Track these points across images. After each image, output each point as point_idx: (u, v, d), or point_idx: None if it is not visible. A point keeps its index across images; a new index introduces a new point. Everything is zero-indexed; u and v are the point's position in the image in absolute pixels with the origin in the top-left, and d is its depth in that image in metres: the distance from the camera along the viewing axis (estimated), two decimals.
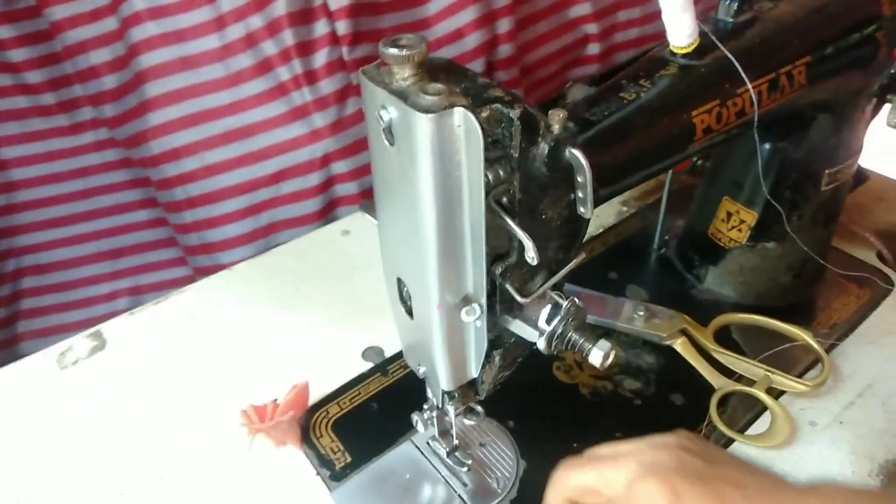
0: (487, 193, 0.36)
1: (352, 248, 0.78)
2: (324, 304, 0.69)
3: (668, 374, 0.61)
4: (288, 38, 0.79)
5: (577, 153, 0.35)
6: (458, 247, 0.37)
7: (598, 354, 0.39)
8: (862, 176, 0.78)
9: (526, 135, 0.34)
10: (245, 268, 0.75)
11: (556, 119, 0.35)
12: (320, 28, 0.80)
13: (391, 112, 0.34)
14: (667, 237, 0.74)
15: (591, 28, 0.98)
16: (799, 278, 0.66)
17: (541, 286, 0.39)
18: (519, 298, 0.38)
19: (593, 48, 1.00)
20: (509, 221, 0.36)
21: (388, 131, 0.35)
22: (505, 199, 0.36)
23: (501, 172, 0.36)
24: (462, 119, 0.33)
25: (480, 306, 0.39)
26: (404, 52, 0.34)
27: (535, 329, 0.40)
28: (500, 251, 0.39)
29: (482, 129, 0.33)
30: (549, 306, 0.40)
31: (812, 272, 0.67)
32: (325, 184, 0.88)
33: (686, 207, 0.72)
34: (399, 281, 0.42)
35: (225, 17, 0.79)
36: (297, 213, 0.89)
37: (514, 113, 0.34)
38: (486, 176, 0.35)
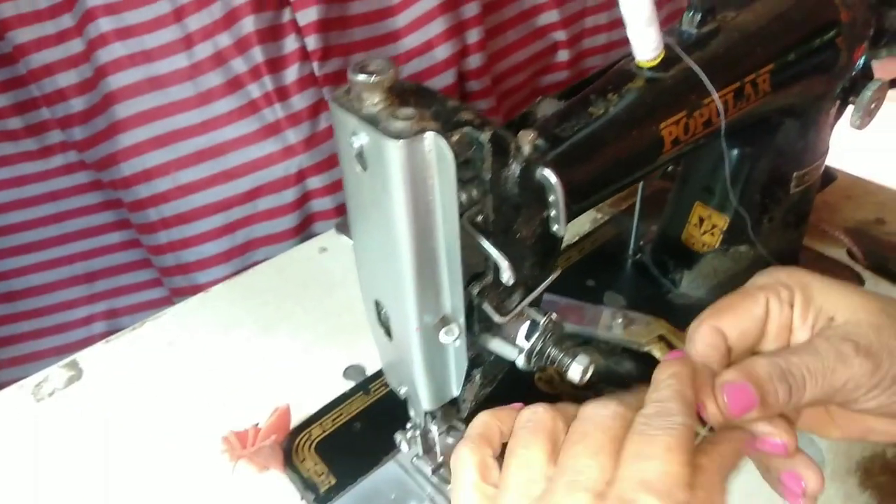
0: (461, 215, 0.36)
1: (330, 265, 0.77)
2: (304, 323, 0.69)
3: (648, 380, 0.61)
4: (257, 55, 0.78)
5: (548, 173, 0.35)
6: (434, 269, 0.37)
7: (577, 369, 0.40)
8: (830, 176, 0.79)
9: (497, 157, 0.35)
10: (223, 289, 0.75)
11: (526, 140, 0.35)
12: (290, 44, 0.80)
13: (362, 138, 0.34)
14: (642, 242, 0.75)
15: (560, 35, 0.99)
16: None
17: (518, 304, 0.40)
18: (497, 318, 0.38)
19: (563, 55, 1.01)
20: (484, 242, 0.36)
21: (360, 157, 0.35)
22: (479, 220, 0.37)
23: (475, 193, 0.36)
24: (433, 144, 0.33)
25: (459, 326, 0.39)
26: (373, 77, 0.34)
27: (514, 346, 0.40)
28: (476, 270, 0.39)
29: (453, 152, 0.33)
30: (527, 323, 0.40)
31: None
32: (300, 200, 0.87)
33: (659, 212, 0.73)
34: (377, 303, 0.42)
35: (192, 35, 0.78)
36: (274, 230, 0.89)
37: (485, 136, 0.34)
38: (459, 197, 0.36)
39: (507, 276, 0.36)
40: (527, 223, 0.38)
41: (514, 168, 0.35)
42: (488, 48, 0.93)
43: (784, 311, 0.38)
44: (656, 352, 0.63)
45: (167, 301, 0.96)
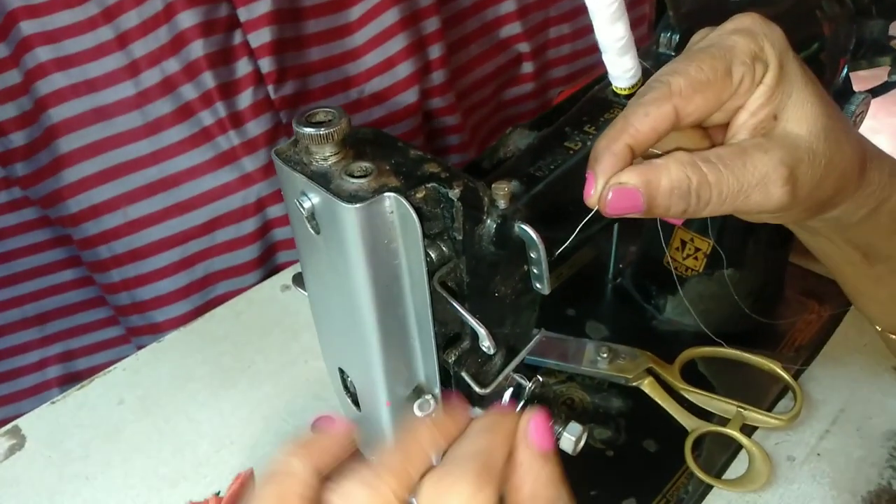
0: (431, 275, 0.32)
1: (294, 304, 0.73)
2: (267, 372, 0.64)
3: (638, 418, 0.58)
4: (208, 80, 0.74)
5: (528, 229, 0.31)
6: (404, 338, 0.33)
7: (570, 441, 0.36)
8: None
9: (469, 214, 0.31)
10: (178, 338, 0.70)
11: (501, 193, 0.31)
12: (242, 67, 0.76)
13: (312, 199, 0.30)
14: (621, 265, 0.71)
15: (524, 47, 0.96)
16: (760, 302, 0.64)
17: (500, 371, 0.36)
18: (478, 389, 0.34)
19: (527, 67, 0.99)
20: (459, 308, 0.32)
21: (311, 218, 0.31)
22: (451, 283, 0.33)
23: (445, 249, 0.32)
24: (394, 205, 0.29)
25: (434, 398, 0.35)
26: (322, 130, 0.29)
27: None
28: (451, 333, 0.35)
29: (418, 211, 0.29)
30: (510, 389, 0.36)
31: (772, 294, 0.65)
32: (261, 229, 0.83)
33: (638, 232, 0.69)
34: (341, 370, 0.38)
35: (138, 62, 0.74)
36: (234, 262, 0.84)
37: (454, 193, 0.30)
38: (427, 256, 0.32)
39: (486, 344, 0.32)
40: (505, 281, 0.34)
41: (490, 225, 0.31)
42: (451, 63, 0.90)
43: (749, 91, 0.34)
44: (645, 387, 0.59)
45: (125, 340, 0.91)
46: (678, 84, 0.33)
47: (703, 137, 0.37)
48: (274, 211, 0.82)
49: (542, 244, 0.31)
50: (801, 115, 0.34)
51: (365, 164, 0.30)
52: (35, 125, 0.76)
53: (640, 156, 0.33)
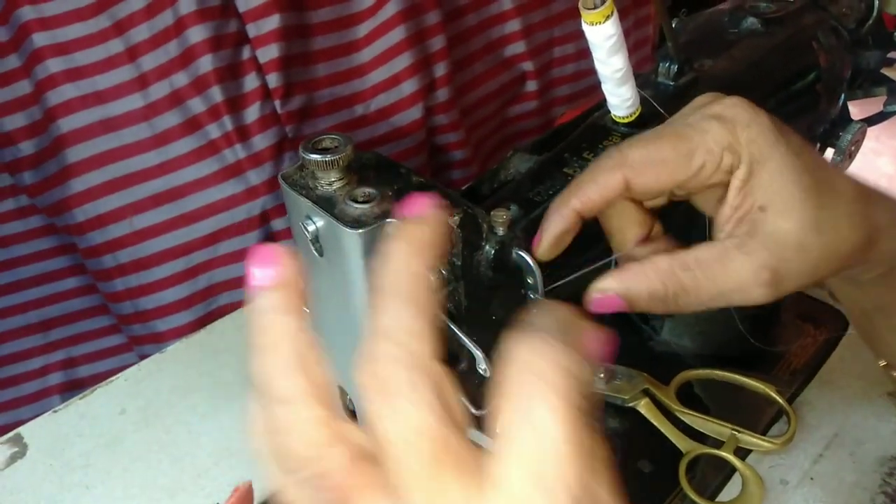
0: None
1: None
2: None
3: (633, 439, 0.58)
4: (216, 94, 0.75)
5: (526, 255, 0.32)
6: None
7: None
8: None
9: (468, 240, 0.31)
10: (180, 349, 0.70)
11: (500, 221, 0.32)
12: (250, 82, 0.77)
13: (317, 222, 0.31)
14: None
15: (528, 66, 0.97)
16: (757, 325, 0.65)
17: None
18: (474, 411, 0.35)
19: (531, 85, 1.00)
20: (457, 331, 0.33)
21: (316, 242, 0.32)
22: (450, 307, 0.33)
23: (444, 274, 0.33)
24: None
25: None
26: (328, 156, 0.30)
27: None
28: (449, 355, 0.36)
29: None
30: None
31: (768, 317, 0.66)
32: (264, 242, 0.84)
33: None
34: (341, 388, 0.39)
35: (147, 75, 0.75)
36: (238, 273, 0.85)
37: (454, 220, 0.31)
38: None
39: (483, 367, 0.33)
40: (503, 305, 0.35)
41: (488, 251, 0.32)
42: (455, 81, 0.91)
43: (713, 177, 0.34)
44: (641, 408, 0.60)
45: (127, 348, 0.92)
46: (633, 156, 0.34)
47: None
48: (278, 224, 0.83)
49: (539, 271, 0.32)
50: (790, 208, 0.33)
51: (368, 190, 0.31)
52: (44, 135, 0.77)
53: (588, 217, 0.35)
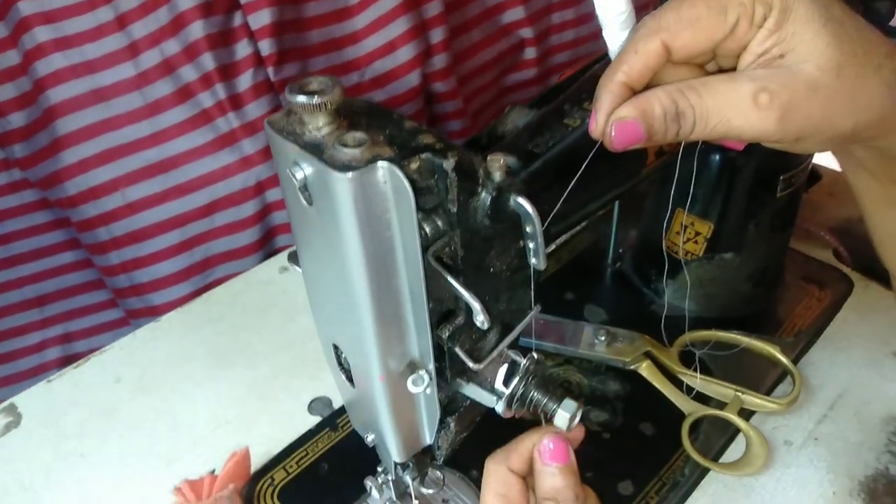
0: (425, 249, 0.32)
1: (292, 286, 0.72)
2: (264, 353, 0.64)
3: (635, 401, 0.58)
4: (208, 61, 0.74)
5: (524, 202, 0.31)
6: (398, 312, 0.33)
7: (564, 417, 0.36)
8: (815, 175, 0.76)
9: (463, 186, 0.30)
10: (174, 318, 0.69)
11: (497, 166, 0.31)
12: (242, 49, 0.75)
13: (305, 169, 0.30)
14: (621, 250, 0.71)
15: (527, 32, 0.95)
16: (760, 286, 0.64)
17: (494, 347, 0.35)
18: (471, 364, 0.34)
19: (530, 52, 0.98)
20: (453, 282, 0.32)
21: (304, 190, 0.30)
22: (446, 257, 0.32)
23: (440, 223, 0.32)
24: (388, 175, 0.29)
25: (428, 373, 0.35)
26: (315, 99, 0.29)
27: (492, 392, 0.36)
28: (446, 307, 0.35)
29: (412, 183, 0.29)
30: (505, 366, 0.36)
31: (772, 279, 0.65)
32: (261, 212, 0.83)
33: (637, 217, 0.69)
34: (335, 346, 0.38)
35: (138, 43, 0.73)
36: (234, 245, 0.84)
37: (448, 164, 0.29)
38: (422, 230, 0.31)
39: (480, 319, 0.32)
40: (501, 255, 0.34)
41: (484, 198, 0.31)
42: (453, 48, 0.89)
43: (749, 33, 0.34)
44: (643, 371, 0.59)
45: (124, 322, 0.91)
46: (667, 19, 0.34)
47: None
48: (274, 194, 0.82)
49: (539, 218, 0.31)
50: (810, 52, 0.33)
51: (358, 135, 0.29)
52: (34, 106, 0.76)
53: (638, 88, 0.35)
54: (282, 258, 0.78)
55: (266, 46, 0.75)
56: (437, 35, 0.86)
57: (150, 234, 0.81)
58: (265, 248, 0.85)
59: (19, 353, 0.90)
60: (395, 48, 0.84)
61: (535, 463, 0.37)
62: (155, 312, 0.84)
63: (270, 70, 0.77)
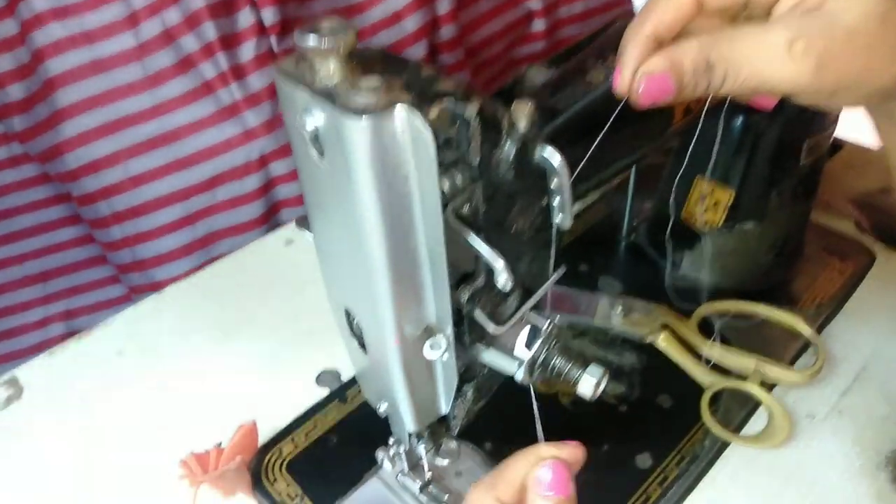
0: (445, 206, 0.30)
1: (298, 258, 0.71)
2: (270, 325, 0.62)
3: (652, 374, 0.56)
4: (209, 31, 0.72)
5: (551, 153, 0.29)
6: (415, 272, 0.31)
7: (590, 382, 0.34)
8: (836, 145, 0.74)
9: (486, 135, 0.28)
10: (178, 290, 0.68)
11: (523, 113, 0.29)
12: (244, 18, 0.74)
13: (317, 117, 0.28)
14: (636, 222, 0.69)
15: (535, 4, 0.94)
16: (780, 257, 0.62)
17: (516, 310, 0.34)
18: (491, 328, 0.32)
19: (538, 24, 0.96)
20: (474, 239, 0.30)
21: (315, 140, 0.29)
22: (467, 212, 0.30)
23: (460, 179, 0.30)
24: (406, 121, 0.27)
25: (446, 338, 0.33)
26: (326, 42, 0.27)
27: (513, 358, 0.34)
28: (464, 269, 0.33)
29: (432, 130, 0.27)
30: (526, 329, 0.34)
31: (793, 250, 0.63)
32: (264, 186, 0.81)
33: (653, 187, 0.67)
34: (347, 312, 0.36)
35: (138, 13, 0.71)
36: (238, 219, 0.83)
37: (470, 110, 0.28)
38: (441, 186, 0.30)
39: (503, 279, 0.30)
40: (524, 213, 0.32)
41: (509, 148, 0.29)
42: (460, 19, 0.87)
43: None
44: (661, 343, 0.57)
45: (127, 298, 0.90)
46: None
47: None
48: (277, 167, 0.81)
49: (567, 169, 0.29)
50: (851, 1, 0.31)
51: (373, 80, 0.27)
52: (33, 77, 0.74)
53: (666, 42, 0.33)
54: (286, 231, 0.76)
55: (269, 15, 0.74)
56: (444, 5, 0.84)
57: (151, 208, 0.80)
58: (269, 222, 0.84)
59: (22, 330, 0.90)
60: (400, 18, 0.82)
61: (529, 492, 0.32)
62: (158, 288, 0.82)
63: (273, 39, 0.75)
